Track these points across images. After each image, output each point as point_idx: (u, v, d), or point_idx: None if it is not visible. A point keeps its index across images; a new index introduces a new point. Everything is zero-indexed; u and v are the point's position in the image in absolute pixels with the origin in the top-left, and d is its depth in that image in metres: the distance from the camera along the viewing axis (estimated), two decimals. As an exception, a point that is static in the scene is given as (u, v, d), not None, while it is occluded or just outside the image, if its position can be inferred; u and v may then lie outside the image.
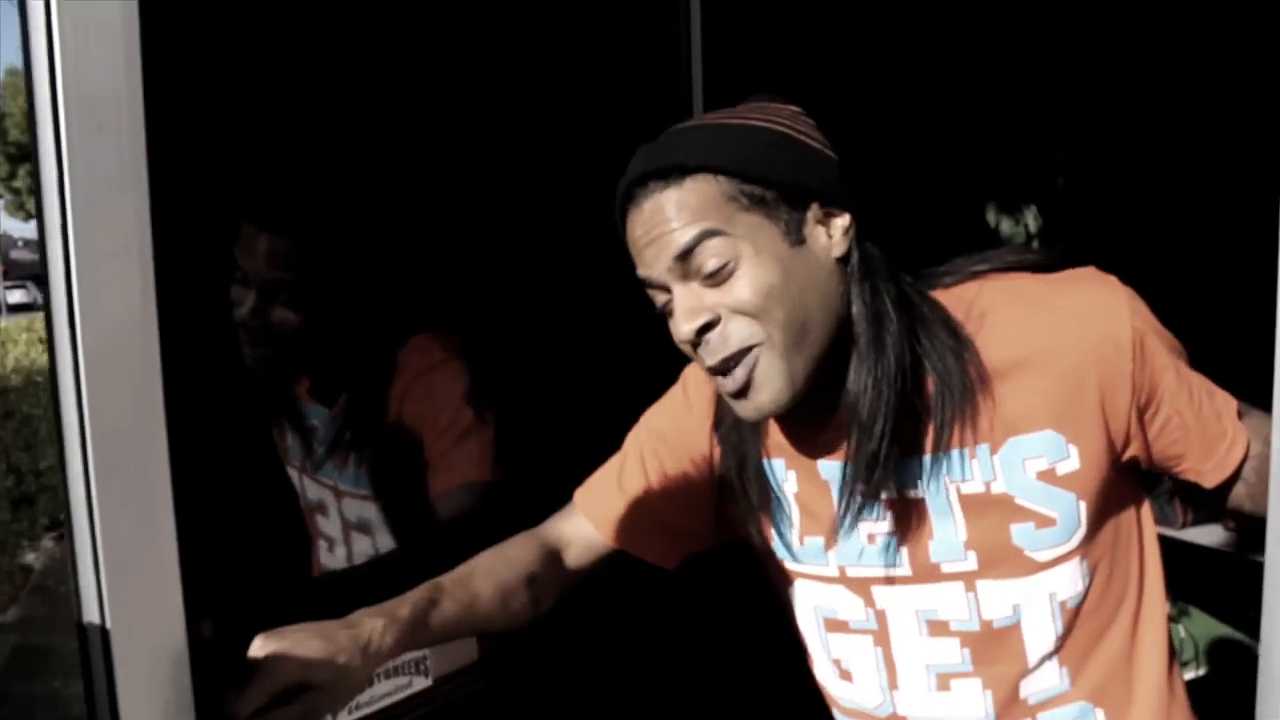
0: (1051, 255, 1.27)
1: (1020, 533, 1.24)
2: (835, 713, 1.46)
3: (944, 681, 1.32)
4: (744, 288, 1.15)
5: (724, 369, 1.18)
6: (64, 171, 1.11)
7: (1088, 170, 2.83)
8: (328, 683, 1.14)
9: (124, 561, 1.17)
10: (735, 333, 1.16)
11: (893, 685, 1.35)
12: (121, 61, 1.15)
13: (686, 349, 1.21)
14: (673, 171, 1.17)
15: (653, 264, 1.19)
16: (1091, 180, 2.83)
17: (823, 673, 1.44)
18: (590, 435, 1.53)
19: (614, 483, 1.46)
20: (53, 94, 1.12)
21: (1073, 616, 1.28)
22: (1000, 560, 1.25)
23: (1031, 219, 2.89)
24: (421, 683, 1.39)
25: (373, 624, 1.21)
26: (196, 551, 1.63)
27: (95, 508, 1.14)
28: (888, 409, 1.20)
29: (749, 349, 1.17)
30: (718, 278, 1.16)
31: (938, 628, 1.30)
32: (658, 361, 1.49)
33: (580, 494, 1.49)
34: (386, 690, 1.35)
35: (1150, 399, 1.22)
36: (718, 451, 1.39)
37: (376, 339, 1.78)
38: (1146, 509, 1.34)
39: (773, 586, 1.46)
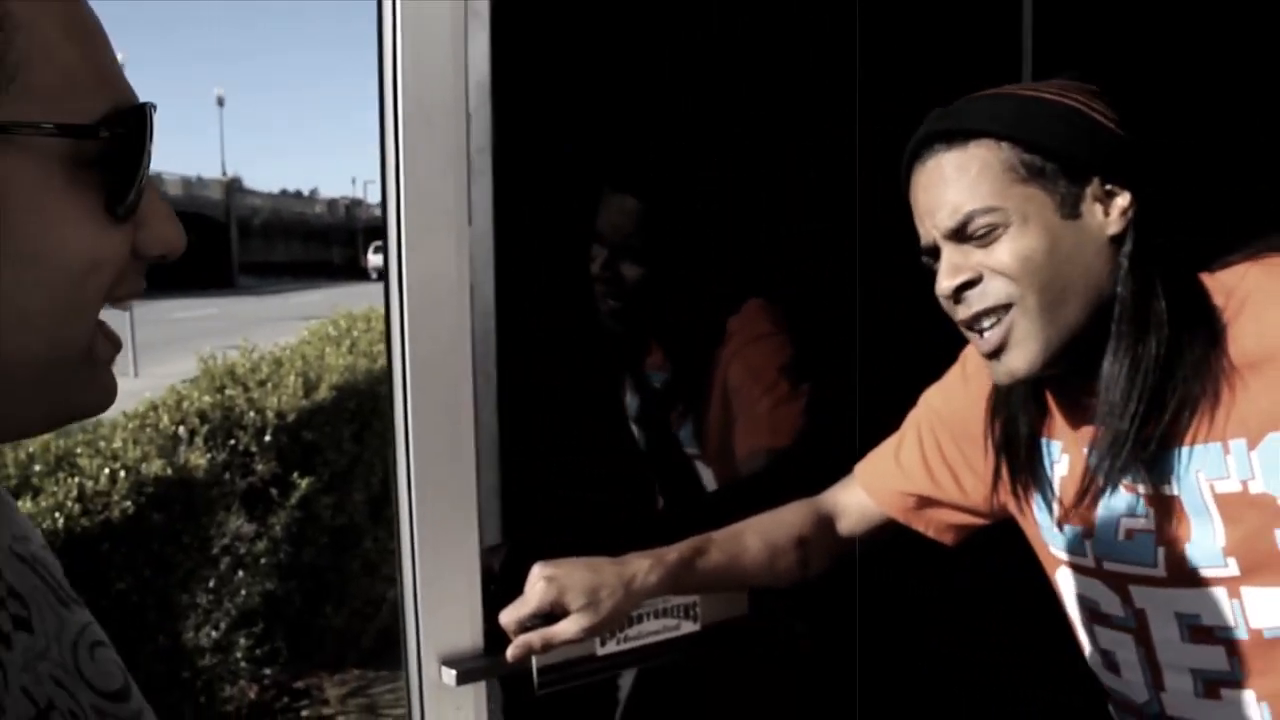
0: None
1: None
2: (1110, 705, 1.43)
3: (1213, 689, 1.26)
4: (1006, 251, 1.19)
5: (976, 324, 1.22)
6: (400, 159, 1.35)
7: None
8: (586, 610, 1.29)
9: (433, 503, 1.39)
10: (992, 291, 1.20)
11: (1158, 686, 1.31)
12: (450, 69, 1.36)
13: (947, 306, 1.26)
14: (956, 135, 1.22)
15: (925, 223, 1.25)
16: None
17: (1092, 662, 1.41)
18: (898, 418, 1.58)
19: (891, 456, 1.52)
20: (394, 96, 1.35)
21: None
22: (1265, 565, 1.18)
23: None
24: (690, 627, 1.52)
25: (640, 563, 1.36)
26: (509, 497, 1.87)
27: (411, 444, 1.37)
28: (1139, 394, 1.18)
29: (1004, 308, 1.20)
30: (984, 240, 1.20)
31: (1201, 633, 1.25)
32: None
33: (859, 466, 1.56)
34: (655, 629, 1.49)
35: None
36: (994, 428, 1.40)
37: (711, 303, 1.94)
38: None
39: (1044, 570, 1.45)
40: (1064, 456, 1.33)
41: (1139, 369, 1.19)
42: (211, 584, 3.96)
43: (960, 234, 1.21)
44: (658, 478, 2.07)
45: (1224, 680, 1.25)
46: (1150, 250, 1.21)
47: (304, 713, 4.57)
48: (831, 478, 1.56)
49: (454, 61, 1.35)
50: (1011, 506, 1.42)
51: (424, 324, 1.36)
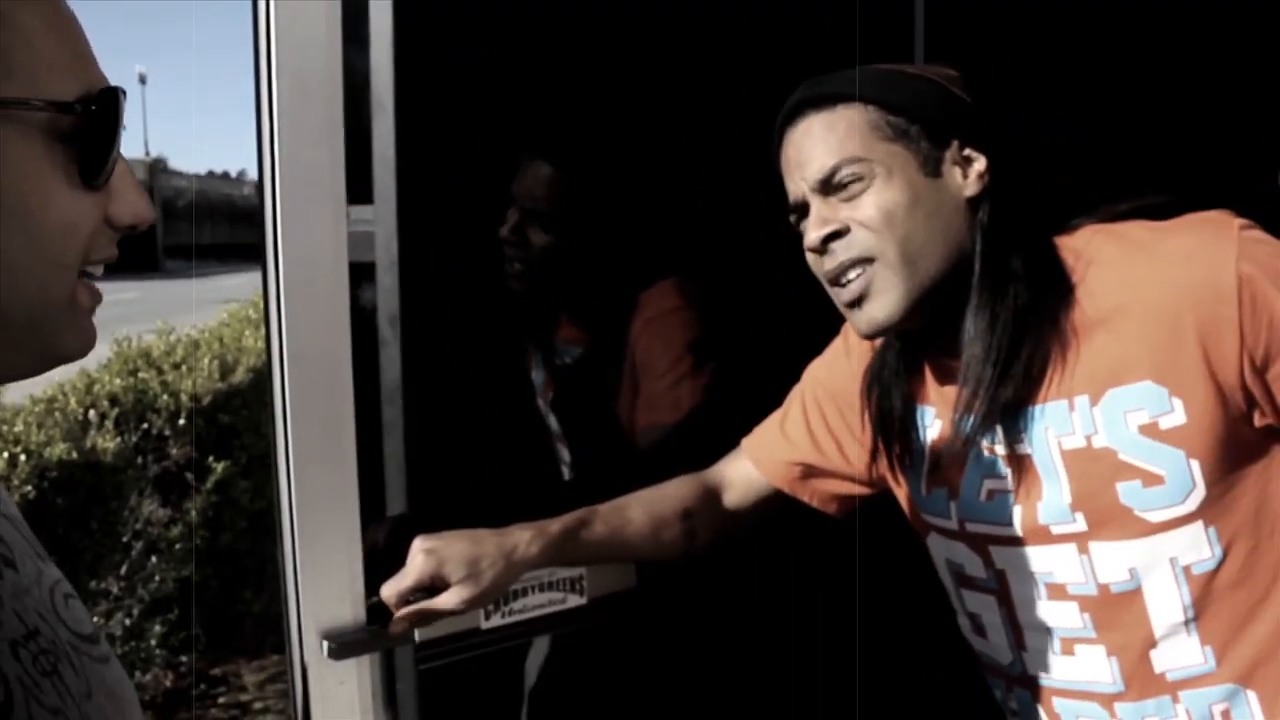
0: (1177, 200, 1.23)
1: (1127, 491, 1.21)
2: (981, 669, 1.47)
3: (1068, 645, 1.30)
4: (870, 204, 1.23)
5: (839, 277, 1.26)
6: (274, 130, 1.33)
7: None
8: (466, 581, 1.29)
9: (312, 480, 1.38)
10: (856, 243, 1.24)
11: (1020, 645, 1.35)
12: (324, 35, 1.35)
13: (813, 261, 1.29)
14: (825, 100, 1.27)
15: (798, 180, 1.28)
16: None
17: (962, 625, 1.45)
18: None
19: (777, 427, 1.54)
20: (269, 69, 1.33)
21: (1203, 587, 1.22)
22: (1109, 520, 1.23)
23: None
24: (576, 600, 1.53)
25: (521, 535, 1.36)
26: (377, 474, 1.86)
27: (290, 427, 1.36)
28: (998, 345, 1.23)
29: (867, 260, 1.24)
30: (849, 193, 1.24)
31: (1056, 591, 1.29)
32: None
33: (746, 439, 1.58)
34: (540, 602, 1.49)
35: (1272, 350, 1.14)
36: (869, 395, 1.43)
37: (624, 276, 1.94)
38: None
39: (917, 538, 1.48)
40: (936, 422, 1.37)
41: (997, 321, 1.23)
42: (123, 570, 3.89)
43: (827, 185, 1.25)
44: (567, 455, 2.08)
45: (1078, 637, 1.29)
46: (1005, 212, 1.26)
47: (221, 700, 4.51)
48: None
49: (329, 27, 1.33)
50: (887, 474, 1.45)
51: (300, 302, 1.35)
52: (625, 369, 1.90)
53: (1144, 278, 1.19)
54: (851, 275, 1.25)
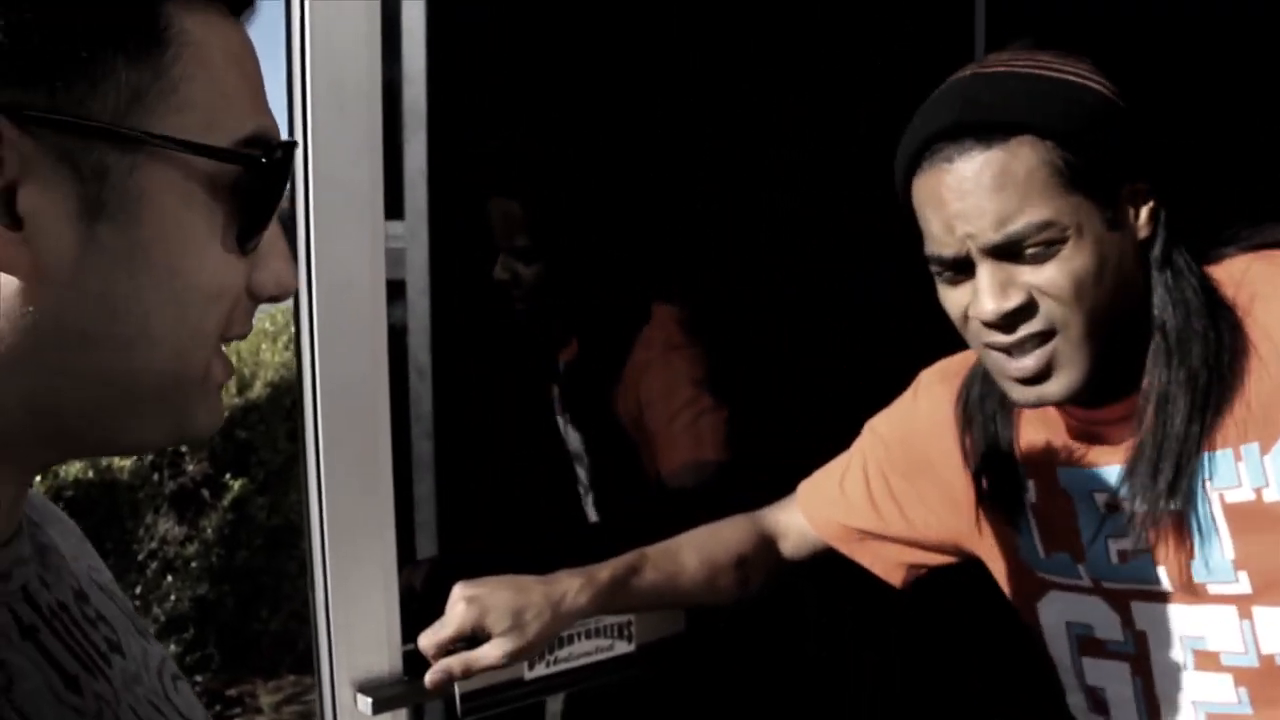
0: None
1: None
2: None
3: None
4: (1061, 273, 1.05)
5: (1020, 349, 1.09)
6: (308, 147, 1.25)
7: None
8: (510, 633, 1.20)
9: (347, 512, 1.30)
10: (1042, 314, 1.07)
11: None
12: (364, 50, 1.26)
13: (975, 328, 1.11)
14: (995, 129, 1.05)
15: (959, 235, 1.07)
16: None
17: (1075, 704, 1.31)
18: (822, 427, 1.51)
19: (836, 483, 1.42)
20: (303, 83, 1.25)
21: None
22: (1278, 583, 1.10)
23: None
24: (624, 647, 1.44)
25: (570, 583, 1.27)
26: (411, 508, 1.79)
27: (322, 458, 1.28)
28: (1193, 407, 1.09)
29: (1049, 333, 1.07)
30: (1032, 257, 1.06)
31: (1206, 660, 1.16)
32: (891, 355, 1.46)
33: (802, 487, 1.47)
34: (587, 650, 1.40)
35: None
36: (950, 461, 1.31)
37: (621, 307, 1.88)
38: None
39: (1018, 610, 1.34)
40: (1029, 484, 1.25)
41: (1192, 372, 1.09)
42: (138, 589, 3.83)
43: (1007, 251, 1.06)
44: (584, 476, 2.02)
45: (1229, 714, 1.16)
46: (1178, 247, 1.12)
47: (237, 720, 4.45)
48: (770, 490, 1.48)
49: (369, 43, 1.25)
50: (980, 540, 1.33)
51: (336, 330, 1.26)
52: (628, 402, 1.84)
53: None
54: (1029, 348, 1.08)
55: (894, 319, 1.20)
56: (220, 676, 4.48)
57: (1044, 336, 1.07)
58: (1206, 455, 1.10)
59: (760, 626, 1.68)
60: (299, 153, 1.27)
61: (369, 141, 1.26)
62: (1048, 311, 1.06)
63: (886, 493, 1.37)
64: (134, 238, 0.52)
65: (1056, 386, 1.09)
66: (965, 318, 1.12)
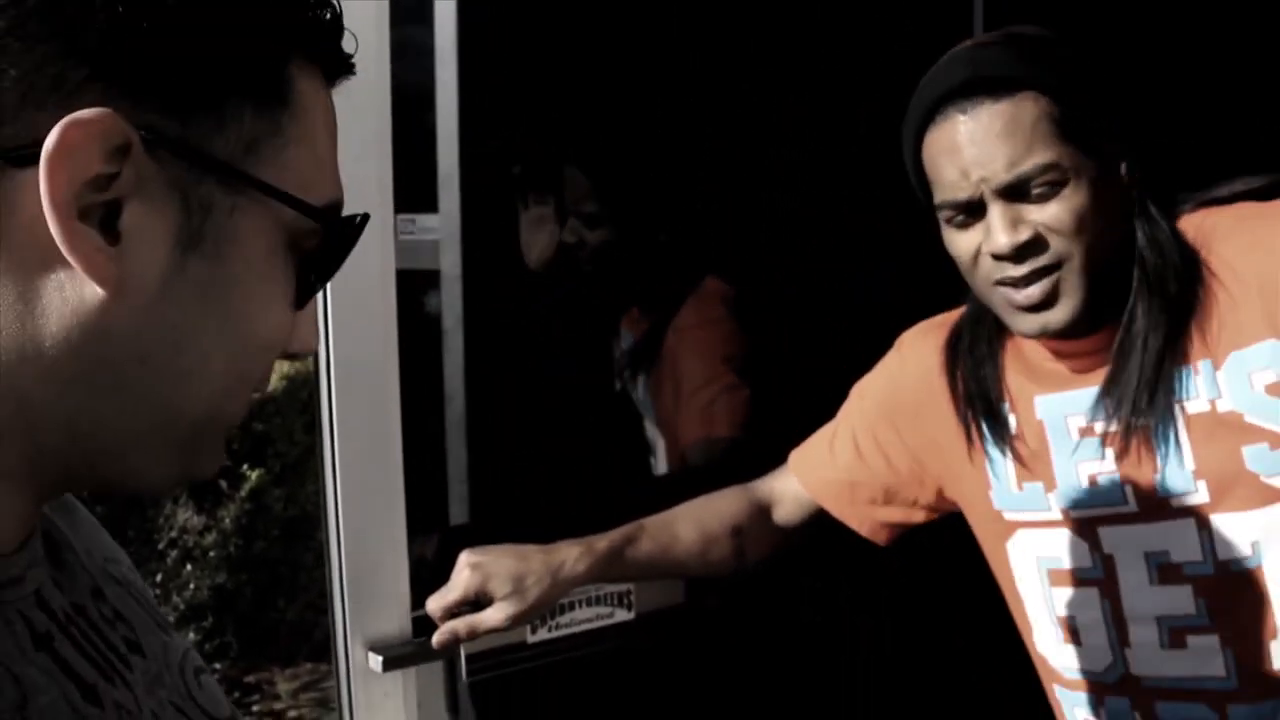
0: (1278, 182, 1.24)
1: (1254, 455, 1.18)
2: (1056, 687, 1.40)
3: (1178, 636, 1.26)
4: (1064, 210, 1.18)
5: (1027, 281, 1.20)
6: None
7: None
8: (511, 597, 1.28)
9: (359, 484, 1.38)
10: (1051, 250, 1.19)
11: (1123, 642, 1.29)
12: (373, 48, 1.34)
13: (986, 265, 1.22)
14: (1000, 84, 1.18)
15: (972, 178, 1.19)
16: None
17: (1044, 639, 1.39)
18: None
19: (826, 444, 1.50)
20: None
21: None
22: (1233, 487, 1.20)
23: None
24: (624, 615, 1.51)
25: (568, 551, 1.35)
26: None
27: (337, 439, 1.36)
28: (1168, 329, 1.21)
29: (1054, 266, 1.19)
30: (1038, 196, 1.18)
31: (1169, 573, 1.25)
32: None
33: (794, 453, 1.54)
34: (588, 616, 1.48)
35: None
36: (934, 407, 1.40)
37: (674, 273, 1.99)
38: None
39: (989, 554, 1.43)
40: (1010, 417, 1.33)
41: (1169, 308, 1.21)
42: (158, 578, 3.91)
43: (1017, 190, 1.18)
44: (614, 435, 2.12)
45: (1190, 626, 1.25)
46: (1153, 202, 1.24)
47: (255, 707, 4.53)
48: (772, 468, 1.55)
49: (378, 39, 1.33)
50: (957, 484, 1.41)
51: (347, 313, 1.34)
52: (665, 369, 1.93)
53: (1259, 243, 1.18)
54: (1035, 279, 1.20)
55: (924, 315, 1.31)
56: (239, 664, 4.56)
57: (1049, 269, 1.19)
58: (1172, 371, 1.21)
59: (756, 594, 1.74)
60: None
61: (379, 137, 1.34)
62: (1054, 246, 1.19)
63: (874, 444, 1.45)
64: (218, 276, 0.53)
65: (1059, 314, 1.20)
66: (975, 259, 1.23)
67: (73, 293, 0.50)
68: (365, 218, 0.61)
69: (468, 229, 1.88)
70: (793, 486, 1.52)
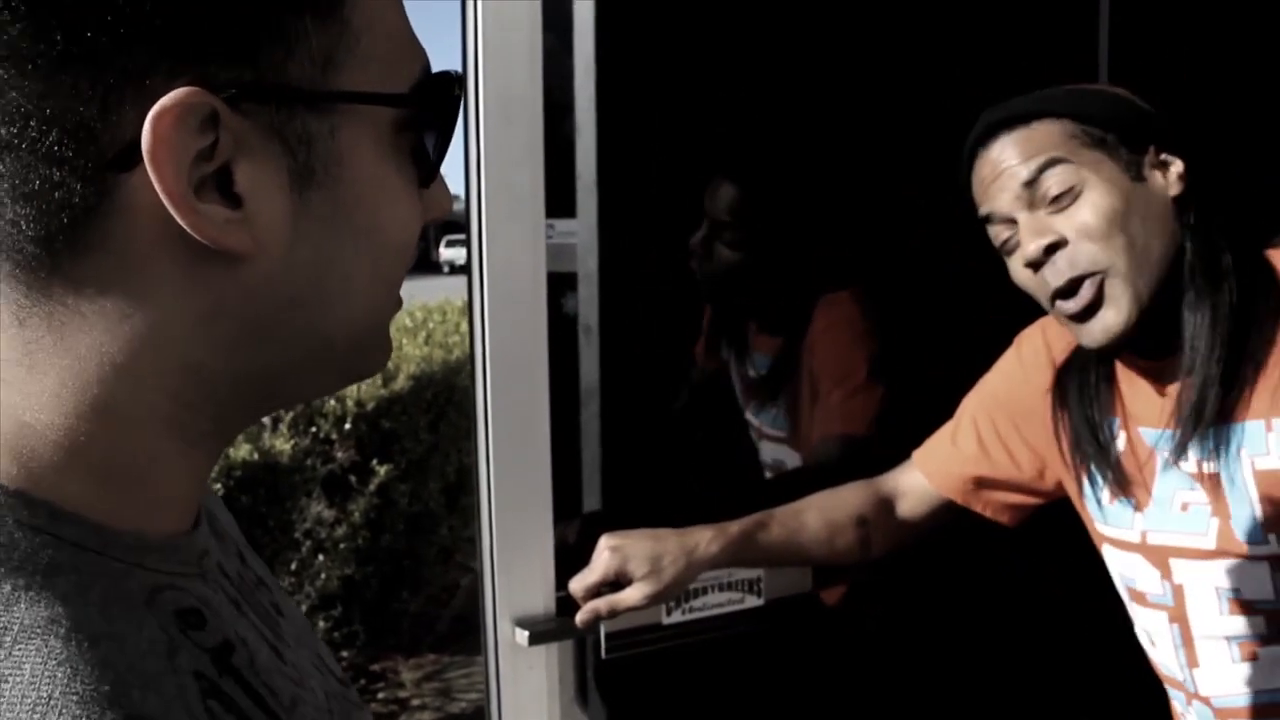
0: None
1: None
2: (1162, 680, 1.45)
3: (1248, 650, 1.29)
4: (1088, 212, 1.23)
5: (1071, 290, 1.24)
6: (480, 153, 1.43)
7: None
8: (648, 578, 1.36)
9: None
10: (1083, 254, 1.23)
11: (1191, 663, 1.34)
12: (527, 62, 1.44)
13: (1028, 280, 1.28)
14: (1016, 120, 1.28)
15: (998, 196, 1.28)
16: None
17: (1140, 636, 1.45)
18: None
19: (948, 439, 1.57)
20: (475, 90, 1.44)
21: None
22: None
23: None
24: (754, 601, 1.58)
25: (702, 535, 1.43)
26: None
27: (491, 428, 1.46)
28: (1222, 349, 1.22)
29: (1095, 273, 1.23)
30: (1061, 203, 1.24)
31: (1239, 606, 1.28)
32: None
33: (918, 451, 1.61)
34: (719, 601, 1.55)
35: None
36: (1050, 408, 1.44)
37: (803, 288, 2.04)
38: None
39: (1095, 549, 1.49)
40: (1120, 434, 1.37)
41: (1219, 316, 1.23)
42: (293, 567, 4.09)
43: (1034, 193, 1.25)
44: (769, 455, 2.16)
45: (1261, 640, 1.28)
46: (1211, 212, 1.26)
47: (380, 695, 4.69)
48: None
49: (530, 55, 1.42)
50: (1068, 483, 1.46)
51: (501, 313, 1.44)
52: (804, 374, 1.97)
53: None
54: (1081, 287, 1.24)
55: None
56: (365, 652, 4.74)
57: (1089, 275, 1.23)
58: (1240, 425, 1.22)
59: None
60: (471, 158, 1.45)
61: (531, 146, 1.43)
62: (1087, 254, 1.22)
63: (995, 438, 1.51)
64: (339, 199, 0.52)
65: (1113, 317, 1.23)
66: (1031, 280, 1.28)
67: (218, 263, 0.50)
68: (459, 75, 0.58)
69: (604, 233, 1.96)
70: (918, 481, 1.58)
